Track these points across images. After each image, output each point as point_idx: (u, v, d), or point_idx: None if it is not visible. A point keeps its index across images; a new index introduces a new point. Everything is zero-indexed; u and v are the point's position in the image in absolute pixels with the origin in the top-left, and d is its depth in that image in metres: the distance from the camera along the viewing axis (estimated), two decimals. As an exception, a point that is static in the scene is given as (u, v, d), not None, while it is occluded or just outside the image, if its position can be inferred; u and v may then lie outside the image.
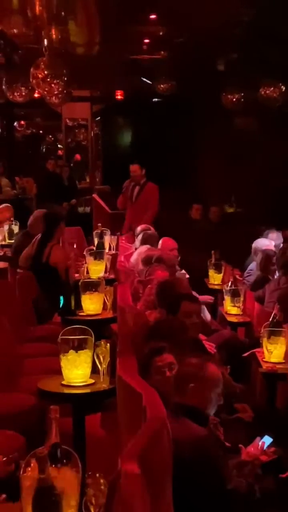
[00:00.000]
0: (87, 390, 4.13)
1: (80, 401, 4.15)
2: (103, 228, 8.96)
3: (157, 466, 2.68)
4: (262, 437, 3.45)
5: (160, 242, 7.65)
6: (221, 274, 7.76)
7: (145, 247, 7.24)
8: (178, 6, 8.89)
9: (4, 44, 10.58)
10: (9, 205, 10.17)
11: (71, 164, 16.13)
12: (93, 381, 4.19)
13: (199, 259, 8.12)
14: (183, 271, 7.12)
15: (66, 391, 4.12)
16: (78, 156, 16.85)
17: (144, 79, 14.04)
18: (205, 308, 6.35)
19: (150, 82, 13.57)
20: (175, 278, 5.85)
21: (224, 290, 6.64)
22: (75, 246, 8.11)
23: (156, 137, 16.71)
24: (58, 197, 12.91)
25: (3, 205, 10.06)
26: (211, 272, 7.80)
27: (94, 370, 4.22)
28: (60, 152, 17.15)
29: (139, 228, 8.65)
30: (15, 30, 10.33)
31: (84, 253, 7.55)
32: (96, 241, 8.58)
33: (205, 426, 3.31)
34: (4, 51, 10.84)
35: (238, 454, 3.42)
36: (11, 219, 10.04)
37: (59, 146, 20.02)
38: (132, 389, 3.35)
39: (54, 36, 10.13)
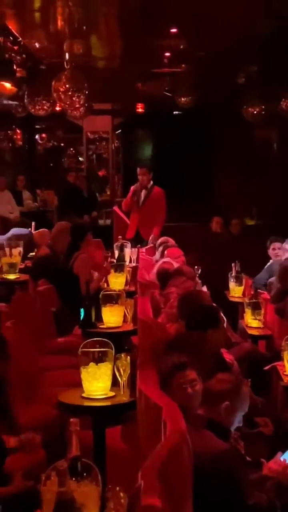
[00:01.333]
0: (108, 403, 4.12)
1: (100, 414, 4.14)
2: (123, 241, 8.98)
3: (177, 480, 2.67)
4: (283, 451, 3.42)
5: (166, 253, 7.64)
6: (242, 287, 7.73)
7: (164, 260, 7.23)
8: (199, 20, 8.92)
9: (26, 58, 10.66)
10: (46, 230, 10.17)
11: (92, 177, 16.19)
12: (113, 393, 4.18)
13: (220, 272, 8.10)
14: (199, 281, 7.12)
15: (87, 403, 4.12)
16: (101, 173, 16.90)
17: (165, 92, 14.06)
18: (225, 320, 6.33)
19: (171, 95, 13.57)
20: (197, 291, 5.84)
21: (244, 303, 6.61)
22: (109, 260, 8.12)
23: (176, 150, 16.73)
24: (79, 210, 12.94)
25: (42, 229, 10.06)
26: (232, 285, 7.78)
27: (115, 383, 4.22)
28: (82, 166, 17.19)
29: (159, 241, 8.65)
30: (37, 44, 10.42)
31: (105, 265, 7.57)
32: (116, 253, 8.59)
33: (226, 440, 3.29)
34: (26, 65, 10.91)
35: (259, 468, 3.39)
36: (33, 231, 10.06)
37: (80, 159, 20.09)
38: (152, 402, 3.34)
39: (75, 50, 10.19)
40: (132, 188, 10.67)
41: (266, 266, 8.46)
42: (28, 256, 9.38)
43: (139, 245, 9.59)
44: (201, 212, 12.26)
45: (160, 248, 8.02)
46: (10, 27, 9.45)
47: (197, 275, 7.38)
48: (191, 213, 12.38)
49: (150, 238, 10.19)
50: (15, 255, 8.40)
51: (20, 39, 9.97)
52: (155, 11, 8.47)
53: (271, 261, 8.45)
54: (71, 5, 8.31)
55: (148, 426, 3.51)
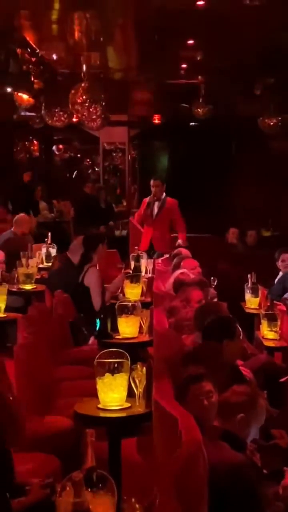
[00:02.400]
0: (123, 414, 4.11)
1: (116, 425, 4.13)
2: (139, 252, 8.97)
3: (193, 491, 2.66)
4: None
5: (182, 264, 7.64)
6: (258, 298, 7.70)
7: (180, 271, 7.22)
8: (216, 32, 8.94)
9: (43, 69, 10.72)
10: (25, 216, 10.19)
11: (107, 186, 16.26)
12: (129, 404, 4.18)
13: (236, 283, 8.09)
14: (215, 292, 7.10)
15: (102, 414, 4.11)
16: (118, 190, 16.96)
17: (182, 104, 14.09)
18: (241, 332, 6.31)
19: (187, 106, 13.61)
20: (214, 302, 5.83)
21: (260, 314, 6.59)
22: (123, 270, 8.13)
23: (192, 161, 16.75)
24: (95, 220, 12.98)
25: (21, 215, 10.08)
26: (248, 296, 7.75)
27: (130, 394, 4.21)
28: (104, 176, 17.22)
29: (173, 252, 8.65)
30: (54, 56, 10.49)
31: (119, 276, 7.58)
32: (132, 264, 8.59)
33: (242, 452, 3.27)
34: (44, 76, 10.98)
35: (275, 481, 3.37)
36: (49, 242, 10.10)
37: (96, 169, 20.14)
38: (168, 413, 3.33)
39: (93, 61, 10.25)
40: (145, 200, 10.66)
41: (278, 278, 8.43)
42: (42, 266, 9.43)
43: (155, 256, 9.59)
44: (217, 223, 12.27)
45: (175, 260, 8.01)
46: (28, 38, 9.52)
47: (213, 286, 7.37)
48: (207, 224, 12.38)
49: (178, 243, 10.18)
50: (32, 265, 8.44)
51: (38, 50, 10.04)
52: (172, 22, 8.50)
53: (281, 273, 8.43)
54: (88, 17, 8.36)
55: (163, 437, 3.50)
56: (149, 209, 10.45)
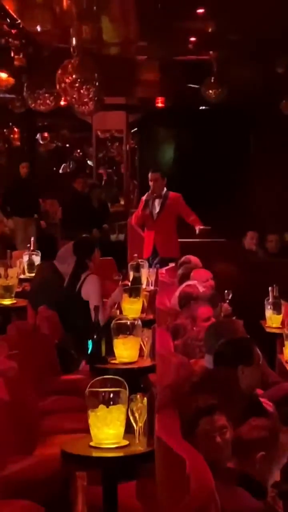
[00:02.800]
0: (120, 453, 4.12)
1: (111, 467, 4.14)
2: (140, 260, 8.98)
3: None
4: None
5: (192, 274, 7.64)
6: (281, 315, 7.71)
7: (188, 283, 7.23)
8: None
9: (26, 43, 10.75)
10: None
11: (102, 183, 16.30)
12: (127, 442, 4.18)
13: (255, 297, 8.09)
14: (229, 308, 7.11)
15: (95, 454, 4.12)
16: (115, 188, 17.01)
17: (190, 84, 14.12)
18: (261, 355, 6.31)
19: (197, 87, 13.64)
20: (228, 320, 5.84)
21: (284, 334, 6.59)
22: (120, 282, 8.14)
23: (203, 152, 16.77)
24: (87, 223, 13.00)
25: None
26: (269, 313, 7.75)
27: (129, 430, 4.21)
28: (98, 170, 17.26)
29: (180, 261, 8.65)
30: (38, 28, 10.51)
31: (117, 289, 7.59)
32: (131, 275, 8.60)
33: (262, 499, 3.28)
34: (26, 51, 11.01)
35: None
36: (32, 248, 10.12)
37: (88, 162, 20.22)
38: (173, 452, 3.34)
39: (84, 34, 10.26)
40: (142, 198, 10.62)
41: None
42: (24, 277, 9.44)
43: (158, 265, 9.60)
44: (232, 226, 12.27)
45: (182, 269, 8.01)
46: (6, 7, 9.54)
47: (227, 301, 7.37)
48: (220, 227, 12.36)
49: (198, 229, 10.21)
50: (12, 276, 8.43)
51: (19, 21, 10.06)
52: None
53: None
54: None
55: (168, 481, 3.50)
56: (148, 208, 10.40)
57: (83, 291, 7.23)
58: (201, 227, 10.26)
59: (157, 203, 10.41)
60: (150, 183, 10.43)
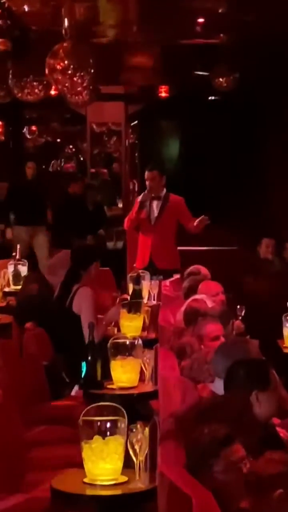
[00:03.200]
0: (118, 491, 4.13)
1: (108, 506, 4.15)
2: (140, 271, 8.98)
3: None
4: None
5: (200, 287, 7.64)
6: (301, 334, 7.73)
7: (195, 297, 7.24)
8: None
9: (11, 25, 10.76)
10: None
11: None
12: (126, 478, 4.19)
13: (271, 313, 8.10)
14: (242, 326, 7.12)
15: (90, 492, 4.12)
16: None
17: (197, 71, 14.15)
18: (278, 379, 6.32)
19: (207, 74, 13.67)
20: (240, 339, 5.84)
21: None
22: (118, 298, 8.16)
23: (212, 148, 16.79)
24: (80, 228, 13.01)
25: None
26: (287, 331, 7.77)
27: (128, 464, 4.21)
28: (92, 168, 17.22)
29: (187, 271, 8.64)
30: (26, 7, 10.52)
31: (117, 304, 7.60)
32: (131, 287, 8.61)
33: None
34: (12, 34, 11.03)
35: None
36: (17, 257, 10.13)
37: (81, 158, 20.25)
38: (178, 490, 3.33)
39: (78, 14, 10.29)
40: (137, 199, 10.50)
41: None
42: (9, 290, 9.44)
43: (160, 276, 9.59)
44: (245, 232, 12.29)
45: (188, 281, 8.01)
46: (-10, -16, 9.59)
47: (240, 317, 7.38)
48: (232, 233, 12.40)
49: (198, 221, 10.08)
50: (-5, 288, 8.46)
51: (4, 0, 10.09)
52: None
53: None
54: None
55: (172, 523, 3.50)
56: (143, 210, 10.28)
57: (75, 305, 7.24)
58: (199, 218, 10.01)
59: (155, 205, 10.28)
60: (147, 183, 10.32)
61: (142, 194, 10.41)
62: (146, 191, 10.29)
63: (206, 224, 10.00)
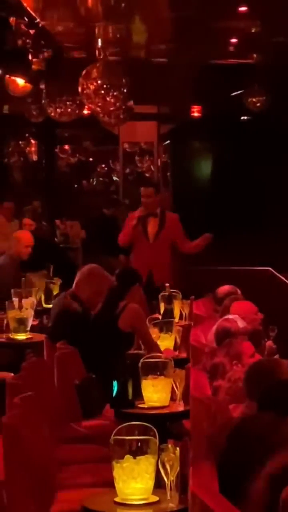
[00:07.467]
0: (149, 511, 4.11)
1: (139, 525, 4.13)
2: (172, 290, 8.95)
3: None
4: None
5: (232, 307, 7.59)
6: None
7: (227, 317, 7.21)
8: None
9: (45, 45, 10.82)
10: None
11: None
12: (157, 498, 4.18)
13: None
14: (274, 346, 7.08)
15: (120, 511, 4.10)
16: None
17: (230, 91, 14.16)
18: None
19: (238, 94, 13.67)
20: (273, 360, 5.80)
21: None
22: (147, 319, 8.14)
23: (244, 167, 16.78)
24: (112, 247, 13.00)
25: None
26: None
27: (159, 484, 4.20)
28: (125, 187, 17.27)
29: (221, 290, 8.61)
30: (60, 28, 10.59)
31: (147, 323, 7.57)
32: (162, 306, 8.58)
33: None
34: (45, 54, 11.07)
35: None
36: (50, 275, 10.13)
37: (114, 178, 20.29)
38: (210, 511, 3.31)
39: (111, 35, 10.33)
40: (134, 215, 10.44)
41: None
42: (41, 308, 9.40)
43: (192, 296, 9.56)
44: (276, 251, 12.24)
45: (228, 300, 7.97)
46: (24, 4, 9.63)
47: (271, 337, 7.34)
48: (262, 252, 12.35)
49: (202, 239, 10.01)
50: (26, 307, 8.42)
51: (38, 20, 10.14)
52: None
53: None
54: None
55: None
56: (139, 226, 10.25)
57: (122, 321, 7.22)
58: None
59: (152, 223, 10.29)
60: (142, 200, 10.30)
61: (139, 210, 10.40)
62: (141, 208, 10.29)
63: (208, 242, 9.97)
